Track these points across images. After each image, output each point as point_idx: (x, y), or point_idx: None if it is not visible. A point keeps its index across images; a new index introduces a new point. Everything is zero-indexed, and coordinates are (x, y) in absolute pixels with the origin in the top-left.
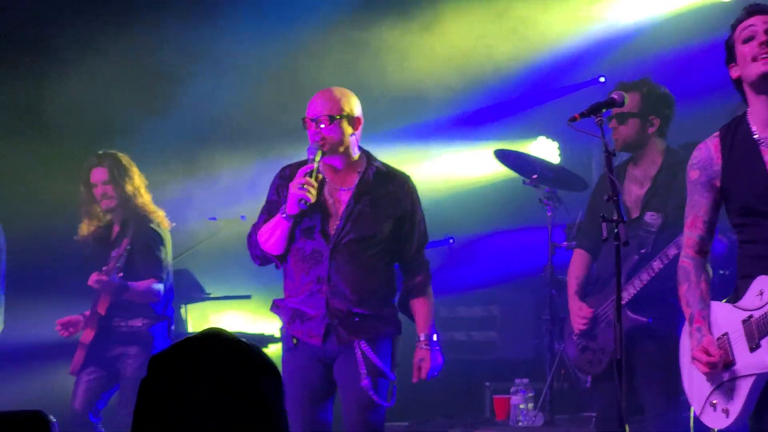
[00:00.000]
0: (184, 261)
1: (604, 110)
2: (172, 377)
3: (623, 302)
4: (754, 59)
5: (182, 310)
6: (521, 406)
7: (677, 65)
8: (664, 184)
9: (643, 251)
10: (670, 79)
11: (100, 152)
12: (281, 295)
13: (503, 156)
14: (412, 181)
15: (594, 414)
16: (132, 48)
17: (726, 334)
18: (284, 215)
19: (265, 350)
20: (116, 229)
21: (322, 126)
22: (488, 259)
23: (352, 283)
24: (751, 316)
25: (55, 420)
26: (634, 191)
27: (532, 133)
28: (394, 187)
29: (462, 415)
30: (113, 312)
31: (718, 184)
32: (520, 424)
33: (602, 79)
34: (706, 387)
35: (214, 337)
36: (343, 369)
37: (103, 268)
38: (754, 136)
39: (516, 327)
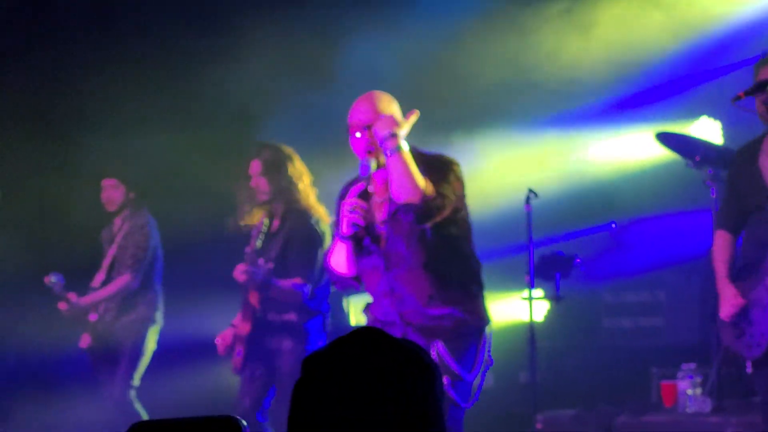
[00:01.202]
0: None
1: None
2: (327, 378)
3: None
4: None
5: (344, 303)
6: (689, 392)
7: None
8: None
9: None
10: None
11: (261, 143)
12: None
13: (665, 138)
14: (440, 158)
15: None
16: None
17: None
18: (340, 237)
19: None
20: (276, 223)
21: (364, 134)
22: (652, 243)
23: (415, 286)
24: None
25: (246, 424)
26: None
27: (694, 114)
28: (423, 169)
29: (629, 401)
30: (267, 305)
31: None
32: (688, 410)
33: None
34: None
35: (367, 335)
36: None
37: (246, 254)
38: None
39: (682, 312)
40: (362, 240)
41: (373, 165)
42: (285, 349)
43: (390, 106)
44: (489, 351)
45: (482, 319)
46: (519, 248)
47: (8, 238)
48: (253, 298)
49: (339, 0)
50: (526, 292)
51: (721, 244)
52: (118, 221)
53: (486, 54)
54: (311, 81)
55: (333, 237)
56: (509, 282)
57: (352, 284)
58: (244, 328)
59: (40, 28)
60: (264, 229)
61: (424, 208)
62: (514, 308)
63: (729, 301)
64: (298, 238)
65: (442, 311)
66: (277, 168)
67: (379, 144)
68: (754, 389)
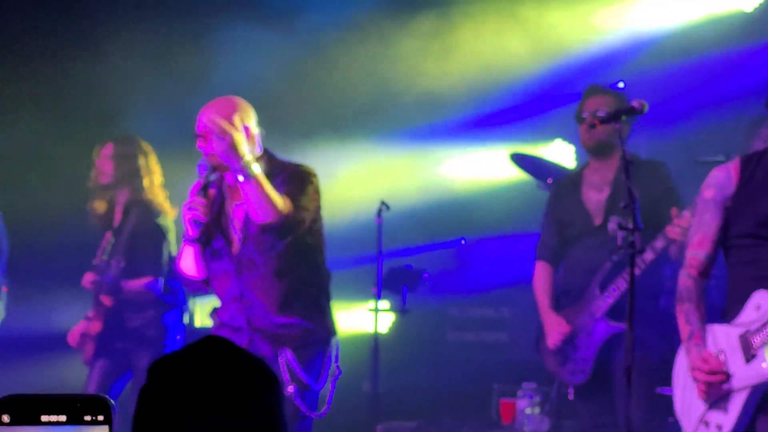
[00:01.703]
0: None
1: (624, 118)
2: (172, 385)
3: (602, 312)
4: None
5: (190, 304)
6: (527, 411)
7: (697, 74)
8: (619, 186)
9: (615, 258)
10: (689, 88)
11: (123, 134)
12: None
13: (519, 159)
14: (298, 169)
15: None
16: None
17: (722, 350)
18: (187, 239)
19: None
20: (118, 214)
21: (211, 140)
22: (500, 261)
23: (265, 293)
24: (747, 330)
25: (114, 404)
26: (593, 197)
27: (548, 137)
28: (280, 178)
29: (469, 416)
30: (122, 305)
31: (729, 204)
32: (526, 428)
33: (621, 85)
34: (701, 407)
35: (216, 345)
36: None
37: (95, 264)
38: None
39: (526, 329)
40: (213, 242)
41: (212, 166)
42: (144, 343)
43: (232, 113)
44: (337, 361)
45: (329, 329)
46: (368, 259)
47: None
48: (106, 300)
49: (210, 3)
50: (372, 303)
51: (542, 276)
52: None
53: (350, 65)
54: (179, 82)
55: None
56: (356, 292)
57: (201, 287)
58: (95, 326)
59: None
60: (109, 247)
61: (285, 225)
62: (359, 318)
63: (555, 329)
64: (143, 234)
65: (290, 320)
66: (126, 155)
67: (229, 166)
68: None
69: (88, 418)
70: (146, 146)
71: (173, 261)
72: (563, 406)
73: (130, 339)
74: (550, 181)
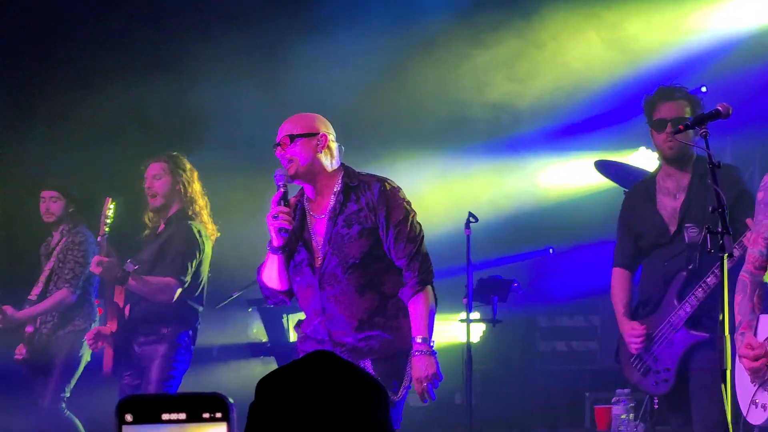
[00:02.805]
0: None
1: (708, 122)
2: (282, 402)
3: (681, 322)
4: None
5: (284, 320)
6: (622, 416)
7: None
8: (699, 193)
9: (691, 267)
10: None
11: (166, 153)
12: None
13: (604, 167)
14: (388, 184)
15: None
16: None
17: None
18: (272, 249)
19: None
20: (161, 227)
21: (287, 147)
22: (589, 269)
23: (347, 308)
24: None
25: (232, 401)
26: (667, 204)
27: (633, 144)
28: (366, 198)
29: (562, 425)
30: (138, 314)
31: None
32: None
33: (704, 89)
34: (751, 388)
35: (322, 359)
36: None
37: (100, 248)
38: None
39: (617, 336)
40: (295, 255)
41: (288, 175)
42: (156, 355)
43: (307, 122)
44: None
45: (408, 342)
46: (458, 271)
47: None
48: (118, 296)
49: (290, 30)
50: (463, 314)
51: (619, 283)
52: (56, 235)
53: (427, 78)
54: (261, 102)
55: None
56: (447, 304)
57: (284, 299)
58: (111, 326)
59: None
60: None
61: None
62: (451, 330)
63: (631, 335)
64: (176, 242)
65: (370, 333)
66: (171, 174)
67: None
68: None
69: (206, 415)
70: (189, 165)
71: (198, 278)
72: (656, 412)
73: (147, 351)
74: (624, 197)
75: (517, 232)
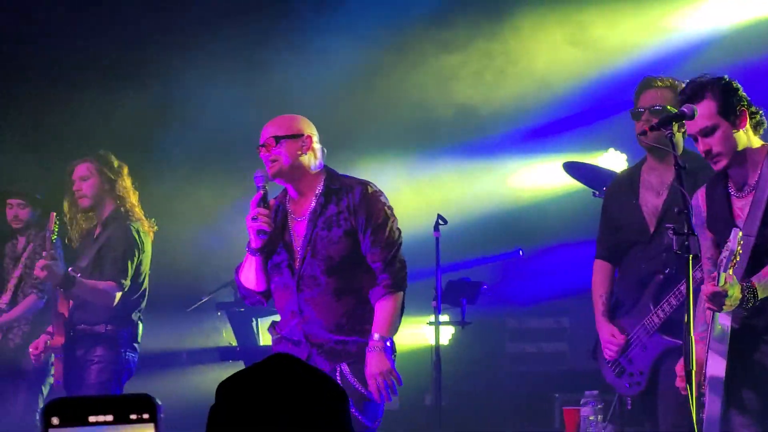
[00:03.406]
0: None
1: (674, 123)
2: (242, 404)
3: (655, 328)
4: None
5: (253, 324)
6: (591, 418)
7: (750, 75)
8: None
9: (667, 271)
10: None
11: (95, 153)
12: None
13: (573, 168)
14: (370, 188)
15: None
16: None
17: None
18: (250, 251)
19: None
20: (97, 230)
21: (272, 148)
22: (558, 271)
23: (325, 310)
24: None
25: (160, 403)
26: (650, 200)
27: (602, 146)
28: (347, 201)
29: (532, 426)
30: (78, 316)
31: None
32: None
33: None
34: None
35: (283, 363)
36: None
37: (44, 254)
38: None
39: (586, 338)
40: (274, 255)
41: (268, 175)
42: (94, 358)
43: (292, 124)
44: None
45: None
46: (427, 273)
47: None
48: (62, 306)
49: (264, 34)
50: (432, 317)
51: (600, 278)
52: (22, 240)
53: (399, 83)
54: (234, 103)
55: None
56: (416, 307)
57: (261, 300)
58: (58, 339)
59: None
60: (54, 228)
61: (399, 285)
62: (420, 333)
63: (609, 341)
64: (114, 244)
65: (347, 338)
66: (102, 173)
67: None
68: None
69: (134, 416)
70: (117, 161)
71: (140, 278)
72: (625, 414)
73: (84, 351)
74: (604, 189)
75: (486, 234)
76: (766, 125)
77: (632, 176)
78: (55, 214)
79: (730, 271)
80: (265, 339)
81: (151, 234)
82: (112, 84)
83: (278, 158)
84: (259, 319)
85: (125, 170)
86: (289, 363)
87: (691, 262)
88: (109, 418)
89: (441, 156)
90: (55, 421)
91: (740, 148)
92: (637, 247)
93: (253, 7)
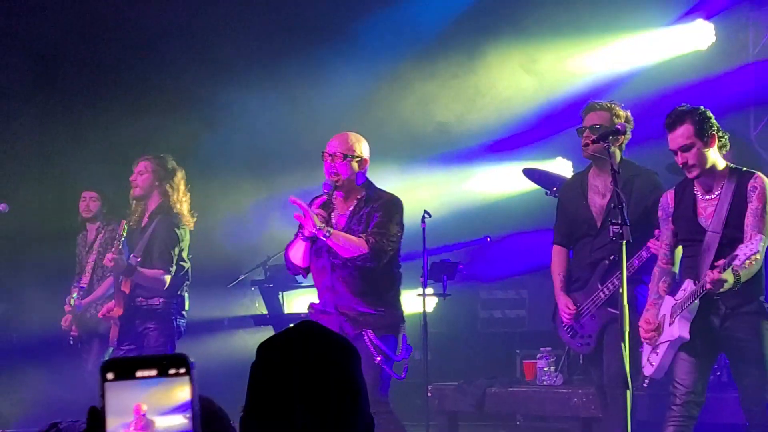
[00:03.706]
0: (282, 257)
1: (610, 137)
2: (277, 361)
3: (601, 302)
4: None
5: (280, 297)
6: (545, 369)
7: (665, 103)
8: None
9: (612, 257)
10: (658, 114)
11: (157, 154)
12: None
13: (530, 173)
14: (392, 199)
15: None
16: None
17: (664, 314)
18: (303, 236)
19: None
20: (145, 220)
21: (337, 161)
22: (518, 253)
23: (352, 288)
24: (675, 302)
25: (194, 360)
26: (597, 201)
27: (551, 155)
28: (376, 205)
29: (499, 376)
30: (136, 292)
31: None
32: (544, 382)
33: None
34: (648, 349)
35: (310, 327)
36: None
37: (113, 249)
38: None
39: (541, 306)
40: (318, 241)
41: (334, 185)
42: (151, 328)
43: (355, 145)
44: (406, 341)
45: (397, 317)
46: (416, 256)
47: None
48: (125, 286)
49: (294, 63)
50: (420, 290)
51: (558, 259)
52: (92, 230)
53: (397, 102)
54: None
55: (295, 235)
56: (408, 282)
57: (302, 272)
58: (117, 311)
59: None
60: (123, 233)
61: (373, 254)
62: (411, 302)
63: (564, 310)
64: (159, 238)
65: (367, 309)
66: (156, 172)
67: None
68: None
69: (172, 371)
70: (176, 165)
71: (182, 261)
72: (573, 365)
73: (143, 323)
74: (555, 189)
75: (461, 225)
76: (728, 147)
77: (582, 180)
78: (125, 221)
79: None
80: (289, 308)
81: (191, 225)
82: (167, 106)
83: (340, 173)
84: (284, 293)
85: (179, 173)
86: (312, 327)
87: (624, 246)
88: (153, 372)
89: (426, 163)
90: (110, 376)
91: (709, 163)
92: (587, 238)
93: (283, 42)
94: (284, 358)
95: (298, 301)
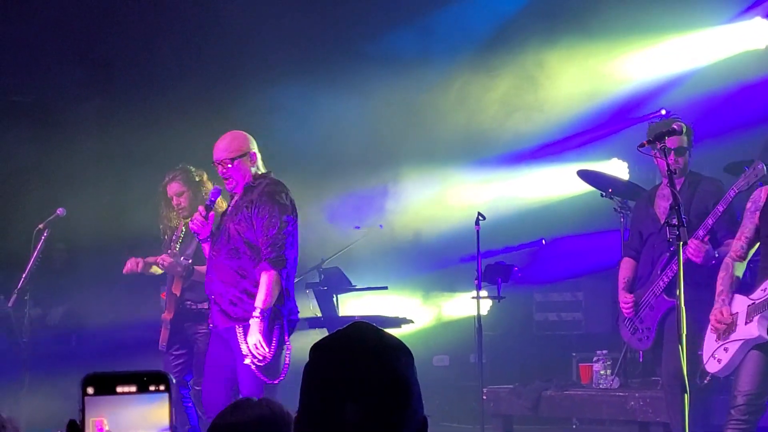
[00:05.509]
0: (335, 261)
1: (666, 138)
2: (330, 362)
3: (660, 289)
4: None
5: (334, 299)
6: (601, 372)
7: (721, 102)
8: (685, 197)
9: (672, 249)
10: (712, 115)
11: (176, 168)
12: (410, 288)
13: (584, 174)
14: (272, 186)
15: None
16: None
17: (737, 312)
18: (199, 239)
19: (400, 330)
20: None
21: (228, 168)
22: (574, 256)
23: (220, 277)
24: (753, 302)
25: (171, 376)
26: (662, 204)
27: (607, 156)
28: (255, 194)
29: (555, 379)
30: (185, 296)
31: (760, 214)
32: (600, 386)
33: (663, 111)
34: (714, 345)
35: (362, 328)
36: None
37: (168, 251)
38: None
39: (597, 309)
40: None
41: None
42: (201, 331)
43: (241, 143)
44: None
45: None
46: (470, 259)
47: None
48: (176, 288)
49: (329, 73)
50: (474, 293)
51: (624, 267)
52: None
53: (450, 112)
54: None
55: None
56: (463, 285)
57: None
58: (168, 314)
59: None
60: (181, 235)
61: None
62: (466, 305)
63: (623, 305)
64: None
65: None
66: (188, 187)
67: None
68: (653, 371)
69: (152, 388)
70: (199, 173)
71: None
72: (630, 368)
73: (193, 326)
74: (610, 191)
75: (516, 227)
76: None
77: (650, 194)
78: (183, 223)
79: None
80: (343, 311)
81: None
82: (202, 115)
83: (235, 177)
84: (338, 296)
85: (204, 176)
86: (364, 327)
87: (681, 247)
88: (133, 388)
89: (480, 165)
90: (90, 390)
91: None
92: (652, 237)
93: (321, 55)
94: (336, 358)
95: (352, 304)
